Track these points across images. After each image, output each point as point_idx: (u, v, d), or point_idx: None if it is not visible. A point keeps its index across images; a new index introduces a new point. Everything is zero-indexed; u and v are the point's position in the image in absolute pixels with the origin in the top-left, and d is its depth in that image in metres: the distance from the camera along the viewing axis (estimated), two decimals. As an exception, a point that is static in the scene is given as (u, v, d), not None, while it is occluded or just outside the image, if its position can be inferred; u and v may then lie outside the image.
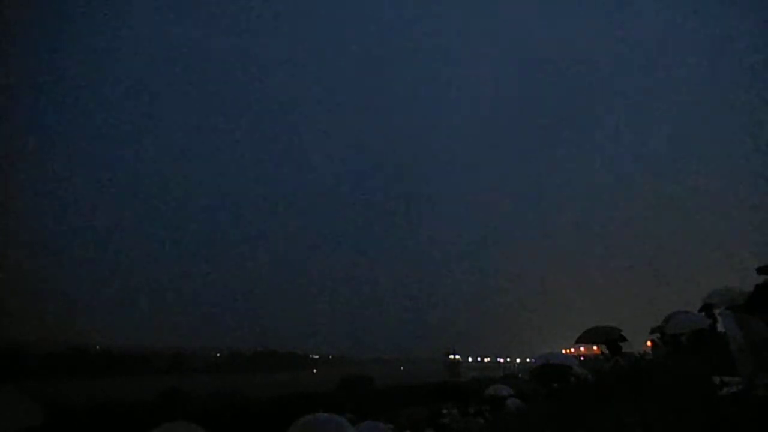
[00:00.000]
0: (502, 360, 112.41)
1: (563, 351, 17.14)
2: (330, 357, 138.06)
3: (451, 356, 75.11)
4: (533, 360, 15.53)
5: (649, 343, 15.12)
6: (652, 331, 12.75)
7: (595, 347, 15.28)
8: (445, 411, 10.63)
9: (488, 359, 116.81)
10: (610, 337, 10.13)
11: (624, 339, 10.41)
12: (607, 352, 10.30)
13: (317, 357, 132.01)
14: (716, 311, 8.50)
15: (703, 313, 8.80)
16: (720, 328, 7.83)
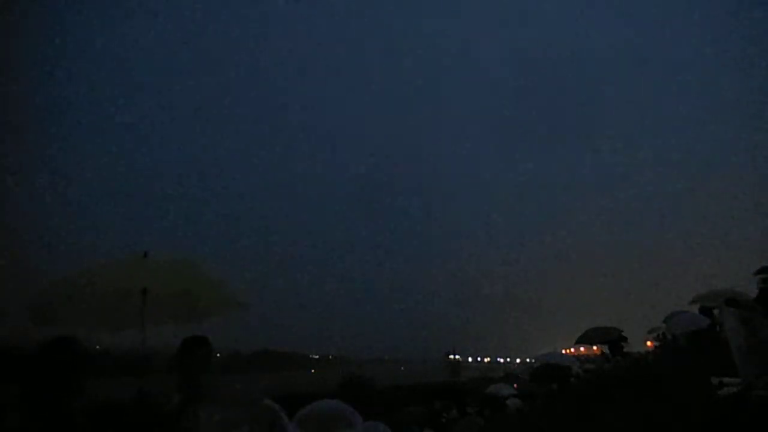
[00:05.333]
0: (502, 360, 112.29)
1: (563, 351, 17.15)
2: (330, 357, 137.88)
3: (451, 356, 75.11)
4: (533, 360, 15.52)
5: (649, 344, 15.11)
6: (652, 331, 12.76)
7: (595, 347, 15.28)
8: (444, 411, 10.64)
9: (488, 359, 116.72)
10: (611, 337, 10.12)
11: (625, 339, 10.41)
12: (607, 352, 10.30)
13: (317, 357, 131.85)
14: (715, 311, 8.50)
15: (703, 315, 8.81)
16: (720, 328, 7.83)
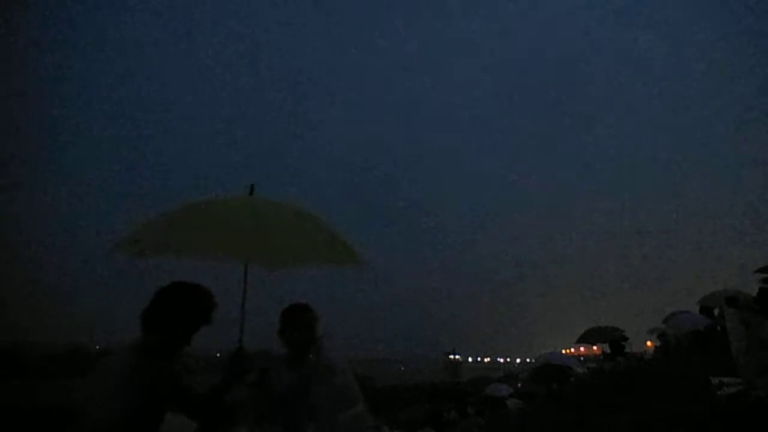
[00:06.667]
0: (502, 360, 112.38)
1: (563, 351, 17.16)
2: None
3: (451, 356, 75.02)
4: (533, 360, 15.52)
5: (649, 343, 15.12)
6: (652, 331, 12.77)
7: (595, 347, 15.28)
8: (444, 412, 10.62)
9: (488, 359, 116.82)
10: (612, 337, 10.14)
11: (626, 339, 10.43)
12: (608, 351, 10.31)
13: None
14: (716, 311, 8.51)
15: (703, 315, 8.81)
16: (720, 328, 7.85)
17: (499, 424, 7.77)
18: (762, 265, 7.34)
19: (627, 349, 10.33)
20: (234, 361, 1.70)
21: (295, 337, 1.89)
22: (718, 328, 7.74)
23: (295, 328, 1.91)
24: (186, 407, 1.57)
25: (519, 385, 15.72)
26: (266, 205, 1.90)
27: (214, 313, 1.62)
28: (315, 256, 2.01)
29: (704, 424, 2.97)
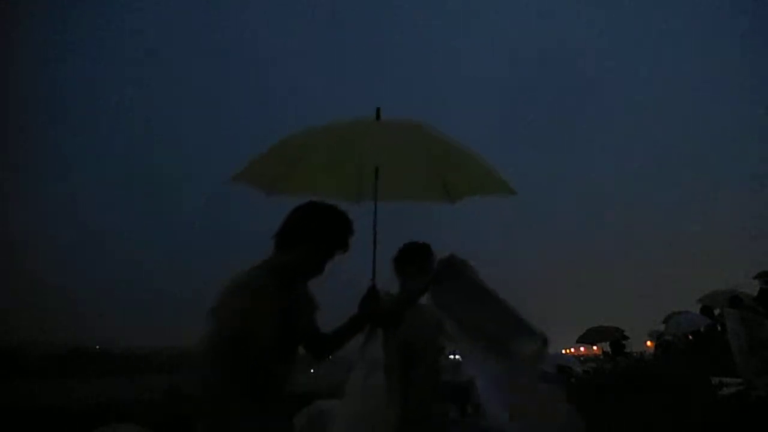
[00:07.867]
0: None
1: (563, 351, 17.13)
2: (330, 356, 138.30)
3: (451, 356, 75.08)
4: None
5: (649, 343, 15.13)
6: (653, 332, 12.77)
7: (595, 347, 15.28)
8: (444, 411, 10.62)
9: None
10: (612, 337, 10.13)
11: (626, 338, 10.42)
12: (608, 350, 10.30)
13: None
14: (716, 311, 8.51)
15: (704, 315, 8.80)
16: (720, 328, 7.85)
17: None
18: (762, 270, 7.34)
19: (627, 349, 10.32)
20: (369, 300, 1.57)
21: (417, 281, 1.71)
22: (718, 328, 7.74)
23: (418, 272, 1.78)
24: (318, 341, 1.49)
25: None
26: (393, 128, 1.75)
27: (351, 238, 1.47)
28: (440, 187, 1.90)
29: (704, 424, 2.98)
